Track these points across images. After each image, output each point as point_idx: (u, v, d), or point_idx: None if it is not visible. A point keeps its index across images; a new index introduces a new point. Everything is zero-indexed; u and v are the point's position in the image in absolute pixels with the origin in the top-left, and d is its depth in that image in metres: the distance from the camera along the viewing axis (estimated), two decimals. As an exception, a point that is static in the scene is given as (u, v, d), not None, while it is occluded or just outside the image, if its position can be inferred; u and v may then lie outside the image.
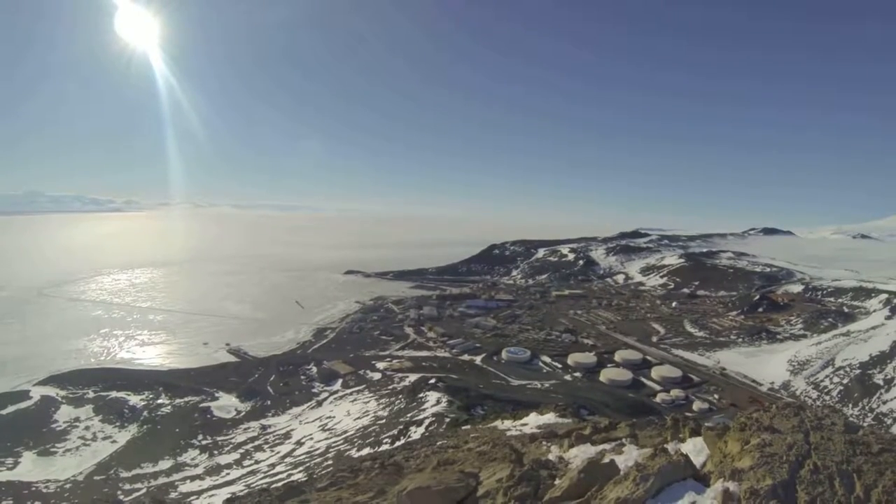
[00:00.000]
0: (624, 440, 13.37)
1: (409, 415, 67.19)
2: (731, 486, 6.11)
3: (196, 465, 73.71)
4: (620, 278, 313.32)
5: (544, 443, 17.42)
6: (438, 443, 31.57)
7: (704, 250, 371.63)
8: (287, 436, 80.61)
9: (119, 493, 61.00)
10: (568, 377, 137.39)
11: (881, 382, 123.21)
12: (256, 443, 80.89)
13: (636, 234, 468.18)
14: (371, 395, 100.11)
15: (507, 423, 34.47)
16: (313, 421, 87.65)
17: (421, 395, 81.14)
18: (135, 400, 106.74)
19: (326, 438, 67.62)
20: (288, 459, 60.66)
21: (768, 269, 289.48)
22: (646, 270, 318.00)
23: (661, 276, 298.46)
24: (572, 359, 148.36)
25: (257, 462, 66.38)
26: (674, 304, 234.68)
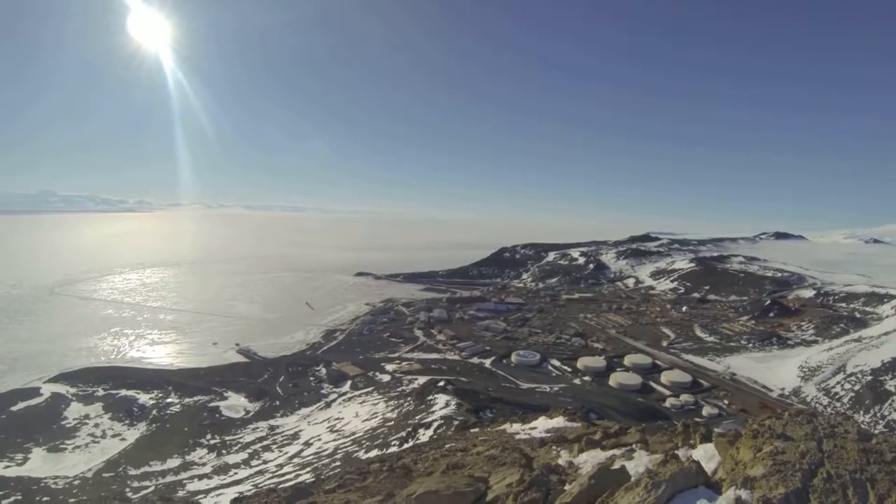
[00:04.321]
0: (634, 446, 13.32)
1: (417, 417, 67.11)
2: (744, 493, 6.06)
3: (204, 464, 73.92)
4: (631, 282, 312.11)
5: (554, 447, 17.37)
6: (447, 445, 31.51)
7: (715, 255, 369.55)
8: (295, 436, 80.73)
9: (127, 490, 61.29)
10: (577, 381, 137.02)
11: (893, 389, 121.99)
12: (265, 443, 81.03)
13: (647, 238, 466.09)
14: (380, 396, 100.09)
15: (516, 427, 34.34)
16: (322, 422, 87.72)
17: (430, 397, 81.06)
18: (144, 398, 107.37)
19: (335, 440, 67.66)
20: (296, 460, 60.73)
21: (779, 274, 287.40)
22: (656, 274, 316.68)
23: (672, 281, 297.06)
24: (582, 363, 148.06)
25: (265, 462, 66.50)
26: (684, 308, 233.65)
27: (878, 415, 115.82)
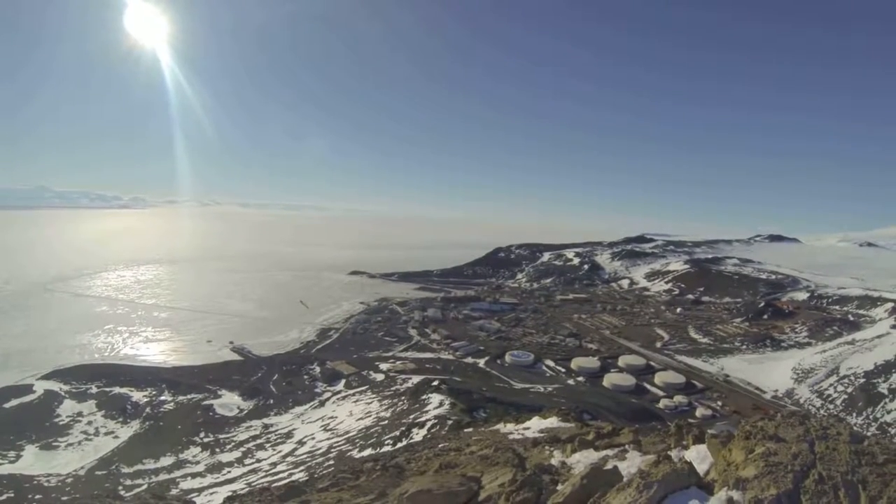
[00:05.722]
0: (627, 446, 13.34)
1: (411, 416, 67.16)
2: (735, 494, 6.07)
3: (197, 463, 73.82)
4: (625, 283, 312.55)
5: (547, 447, 17.38)
6: (440, 445, 31.53)
7: (710, 256, 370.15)
8: (289, 435, 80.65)
9: (120, 488, 61.11)
10: (571, 381, 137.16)
11: (885, 392, 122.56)
12: (258, 441, 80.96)
13: (641, 239, 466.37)
14: (374, 395, 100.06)
15: (510, 427, 34.39)
16: (315, 421, 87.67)
17: (424, 396, 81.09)
18: (138, 396, 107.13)
19: (328, 438, 67.61)
20: (289, 459, 60.68)
21: (774, 277, 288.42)
22: (651, 276, 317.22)
23: (666, 282, 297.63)
24: (576, 363, 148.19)
25: (259, 461, 66.41)
26: (678, 309, 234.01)
27: (871, 417, 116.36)
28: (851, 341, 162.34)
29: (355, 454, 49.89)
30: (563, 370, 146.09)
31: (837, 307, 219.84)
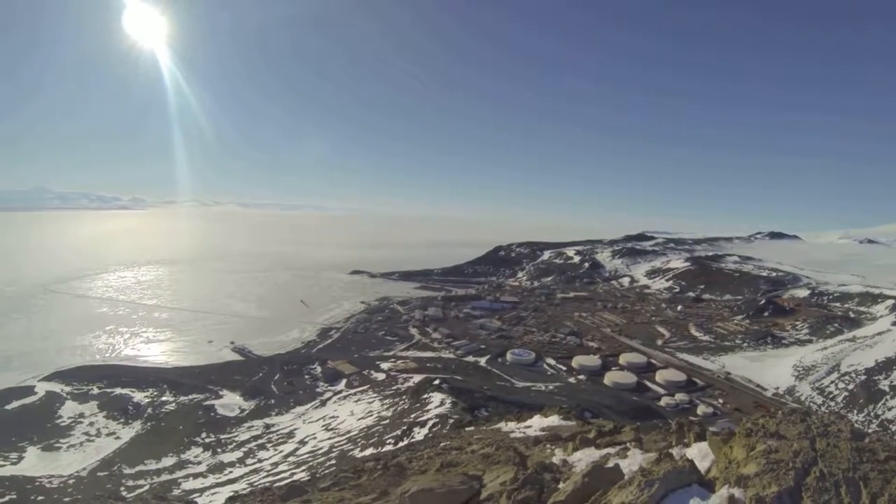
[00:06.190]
0: (628, 444, 13.31)
1: (412, 415, 67.06)
2: (737, 492, 6.05)
3: (199, 463, 73.78)
4: (626, 281, 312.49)
5: (548, 446, 17.36)
6: (442, 444, 31.51)
7: (710, 254, 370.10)
8: (290, 435, 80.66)
9: (122, 489, 61.12)
10: (572, 380, 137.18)
11: (886, 389, 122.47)
12: (260, 441, 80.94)
13: (642, 237, 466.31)
14: (375, 395, 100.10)
15: (511, 426, 34.35)
16: (317, 420, 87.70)
17: (425, 395, 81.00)
18: (139, 397, 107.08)
19: (330, 438, 67.61)
20: (291, 458, 60.67)
21: (774, 274, 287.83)
22: (651, 274, 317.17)
23: (667, 280, 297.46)
24: (577, 361, 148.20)
25: (260, 461, 66.40)
26: (679, 307, 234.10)
27: (872, 414, 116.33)
28: (852, 338, 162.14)
29: (357, 453, 49.88)
30: (565, 368, 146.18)
31: (838, 304, 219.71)
